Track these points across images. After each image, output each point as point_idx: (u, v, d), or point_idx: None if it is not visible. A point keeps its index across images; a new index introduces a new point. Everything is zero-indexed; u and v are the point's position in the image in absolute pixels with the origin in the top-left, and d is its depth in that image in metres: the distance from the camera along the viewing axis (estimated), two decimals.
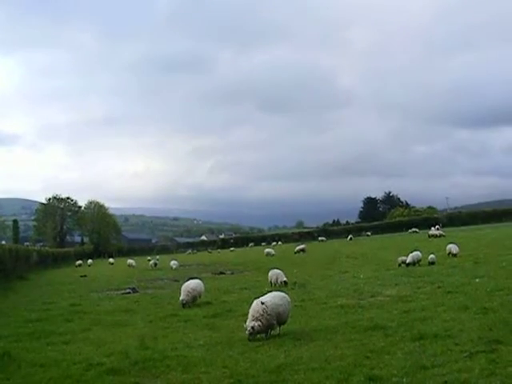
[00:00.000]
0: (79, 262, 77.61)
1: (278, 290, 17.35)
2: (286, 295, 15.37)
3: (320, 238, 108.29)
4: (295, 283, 26.57)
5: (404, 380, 9.19)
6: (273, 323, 14.31)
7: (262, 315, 14.02)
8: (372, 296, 20.44)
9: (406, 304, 17.64)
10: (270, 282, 26.98)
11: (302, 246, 64.74)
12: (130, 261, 64.18)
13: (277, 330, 14.67)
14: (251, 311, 14.30)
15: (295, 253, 61.22)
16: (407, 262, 31.19)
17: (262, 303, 14.24)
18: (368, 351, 11.53)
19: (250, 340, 13.90)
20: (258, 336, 14.23)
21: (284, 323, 14.81)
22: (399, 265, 31.62)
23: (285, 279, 26.52)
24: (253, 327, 13.91)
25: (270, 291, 16.54)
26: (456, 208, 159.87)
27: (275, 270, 27.62)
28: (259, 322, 13.96)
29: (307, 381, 9.74)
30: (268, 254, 62.47)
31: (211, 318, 18.53)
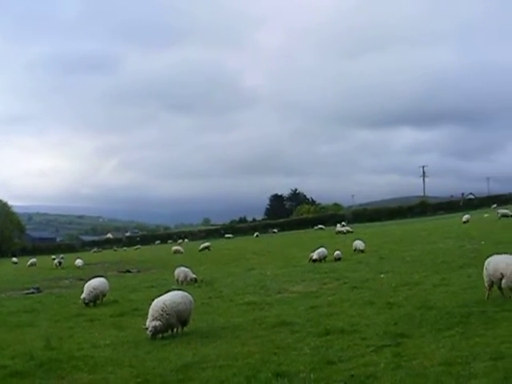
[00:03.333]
0: None
1: (180, 289, 17.13)
2: (187, 294, 15.12)
3: (227, 236, 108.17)
4: (202, 281, 26.50)
5: (311, 375, 9.23)
6: (173, 322, 14.10)
7: (162, 314, 13.80)
8: (279, 292, 20.58)
9: (313, 300, 17.88)
10: (177, 279, 26.69)
11: (206, 244, 64.19)
12: (32, 260, 61.84)
13: (179, 329, 14.48)
14: (150, 311, 14.06)
15: (200, 250, 60.79)
16: (313, 258, 31.53)
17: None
18: (275, 347, 11.58)
19: (152, 339, 13.66)
20: (165, 334, 14.07)
21: (186, 322, 14.58)
22: (309, 260, 31.85)
23: (194, 276, 26.47)
24: (154, 327, 13.68)
25: (179, 289, 16.33)
26: (361, 205, 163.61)
27: (182, 268, 27.42)
28: (159, 322, 13.73)
29: (215, 378, 9.65)
30: (176, 251, 60.96)
31: (118, 317, 18.22)
